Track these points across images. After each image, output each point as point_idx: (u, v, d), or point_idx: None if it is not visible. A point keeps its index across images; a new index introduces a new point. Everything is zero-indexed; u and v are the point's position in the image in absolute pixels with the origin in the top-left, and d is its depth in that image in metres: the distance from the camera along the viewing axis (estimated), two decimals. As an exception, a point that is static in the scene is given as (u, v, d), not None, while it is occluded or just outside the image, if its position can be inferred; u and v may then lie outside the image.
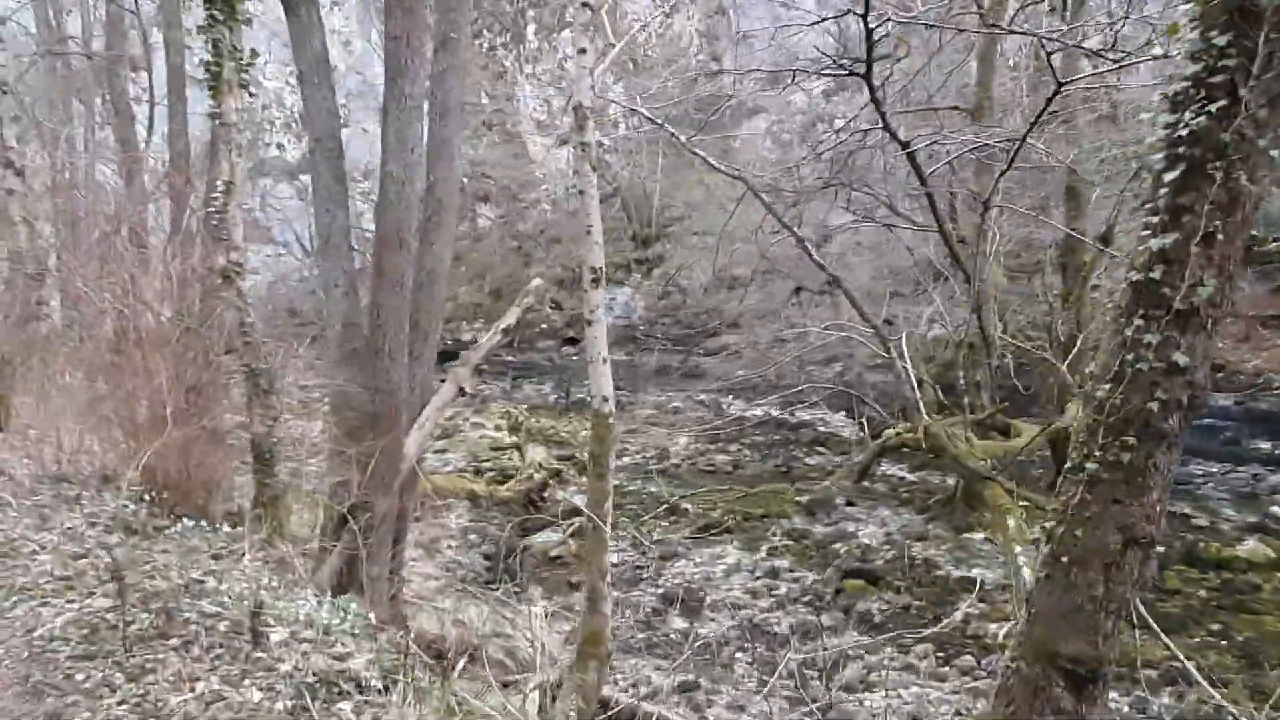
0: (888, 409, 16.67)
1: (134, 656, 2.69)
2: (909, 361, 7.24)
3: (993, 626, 8.63)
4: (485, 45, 44.32)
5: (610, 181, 41.25)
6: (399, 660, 2.79)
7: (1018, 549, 5.30)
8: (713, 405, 23.77)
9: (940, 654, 8.22)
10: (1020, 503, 6.58)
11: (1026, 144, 10.52)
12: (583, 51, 3.76)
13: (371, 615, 3.51)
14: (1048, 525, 2.59)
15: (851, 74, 5.11)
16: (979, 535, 11.41)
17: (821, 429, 19.11)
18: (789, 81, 6.79)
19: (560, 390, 26.01)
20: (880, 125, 5.42)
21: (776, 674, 7.51)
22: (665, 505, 12.14)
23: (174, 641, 2.83)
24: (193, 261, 5.44)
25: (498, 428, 19.48)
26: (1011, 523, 5.56)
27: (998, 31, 6.31)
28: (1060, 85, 5.14)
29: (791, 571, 10.48)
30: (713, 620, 9.27)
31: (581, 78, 3.63)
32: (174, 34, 11.72)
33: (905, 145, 5.57)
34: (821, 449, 17.31)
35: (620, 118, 42.97)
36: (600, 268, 3.62)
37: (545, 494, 14.34)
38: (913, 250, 17.37)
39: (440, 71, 6.97)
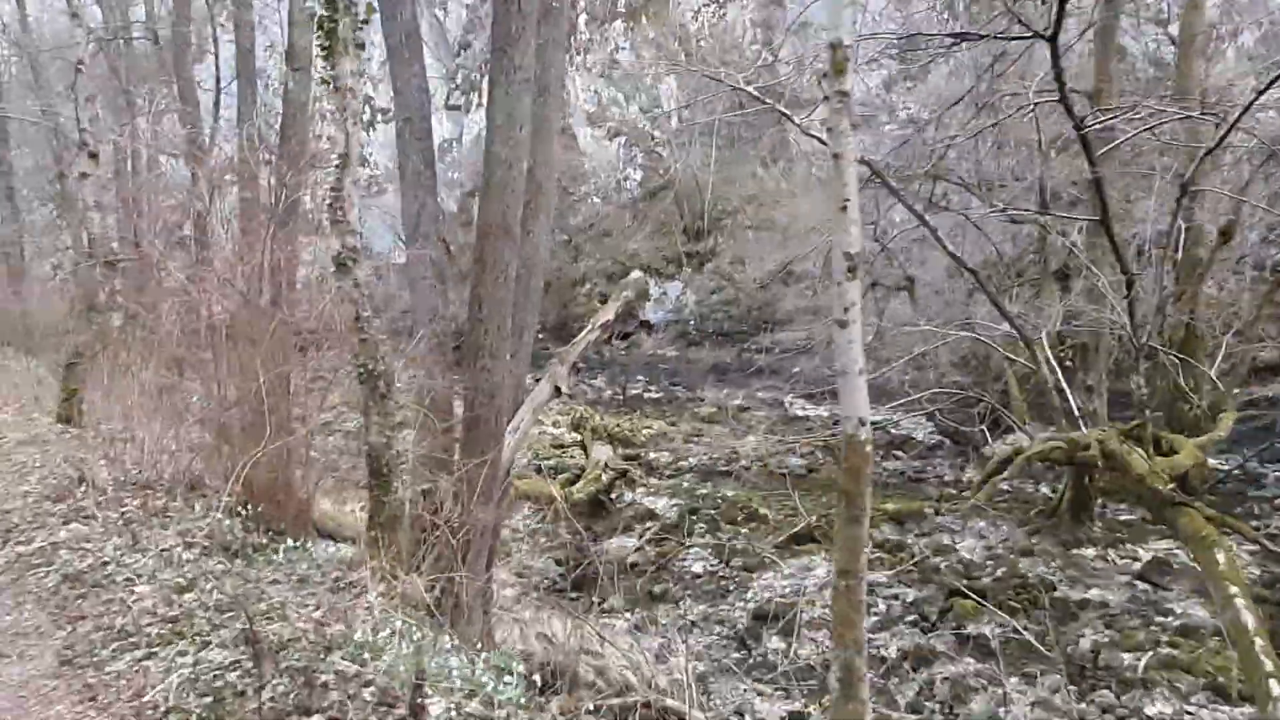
0: (989, 414, 15.80)
1: (276, 741, 2.17)
2: (1055, 364, 6.51)
3: (1126, 657, 7.87)
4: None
5: (662, 174, 40.58)
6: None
7: (1232, 588, 4.57)
8: (773, 403, 23.07)
9: (1073, 686, 7.47)
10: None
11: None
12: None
13: (537, 678, 2.95)
14: None
15: (1037, 36, 4.44)
16: (1090, 552, 10.60)
17: (895, 431, 18.28)
18: (959, 47, 6.11)
19: (616, 386, 25.49)
20: (1057, 99, 4.73)
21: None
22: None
23: (318, 718, 2.29)
24: (278, 249, 4.93)
25: (556, 424, 18.99)
26: (1221, 557, 4.82)
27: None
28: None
29: (889, 587, 9.77)
30: (812, 640, 8.62)
31: (839, 8, 3.00)
32: (244, 15, 11.32)
33: (1079, 124, 4.86)
34: (898, 453, 16.49)
35: (673, 109, 42.26)
36: (856, 253, 2.95)
37: (613, 495, 13.80)
38: (996, 244, 16.46)
39: (540, 45, 6.39)
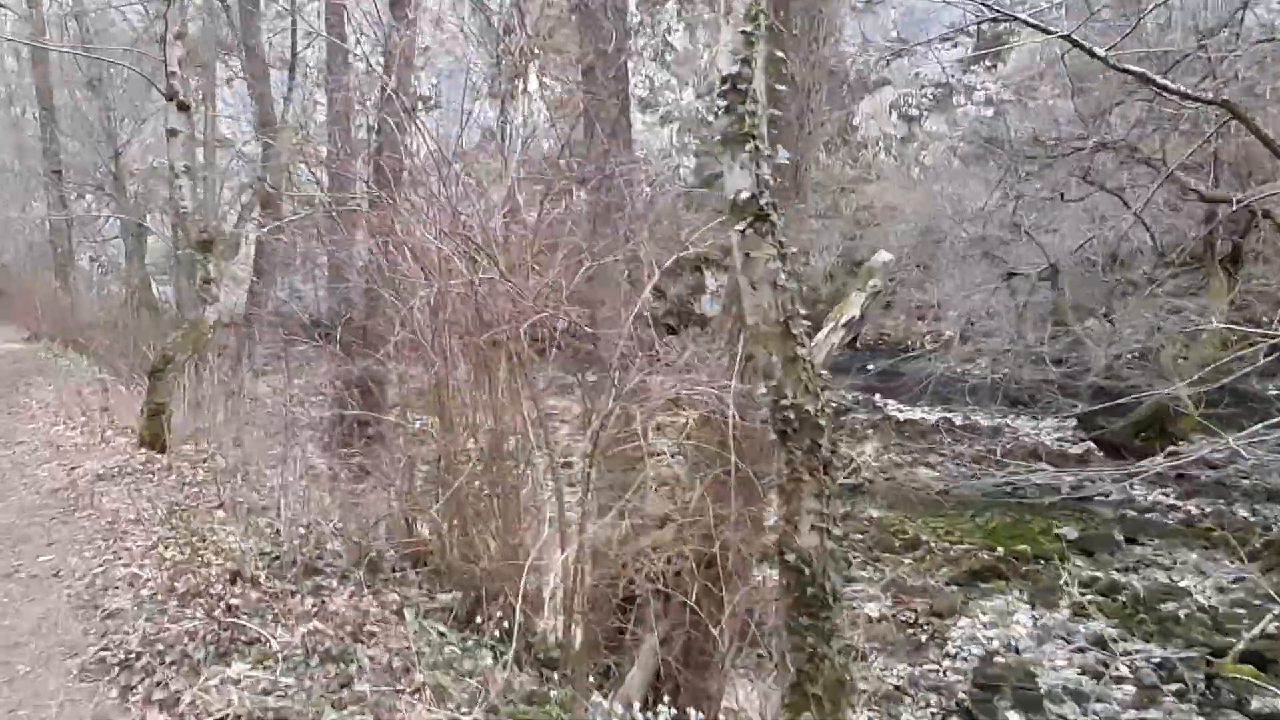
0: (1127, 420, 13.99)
1: None
2: None
3: None
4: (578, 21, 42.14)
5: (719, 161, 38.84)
6: None
7: None
8: (866, 404, 21.26)
9: None
10: None
11: None
12: None
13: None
14: None
15: None
16: (1351, 597, 8.78)
17: (1025, 439, 16.45)
18: None
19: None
20: None
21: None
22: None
23: None
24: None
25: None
26: None
27: None
28: None
29: (1121, 641, 8.01)
30: (1060, 717, 6.91)
31: None
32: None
33: None
34: (1042, 465, 14.62)
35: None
36: None
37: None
38: (1150, 228, 14.58)
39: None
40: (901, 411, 20.20)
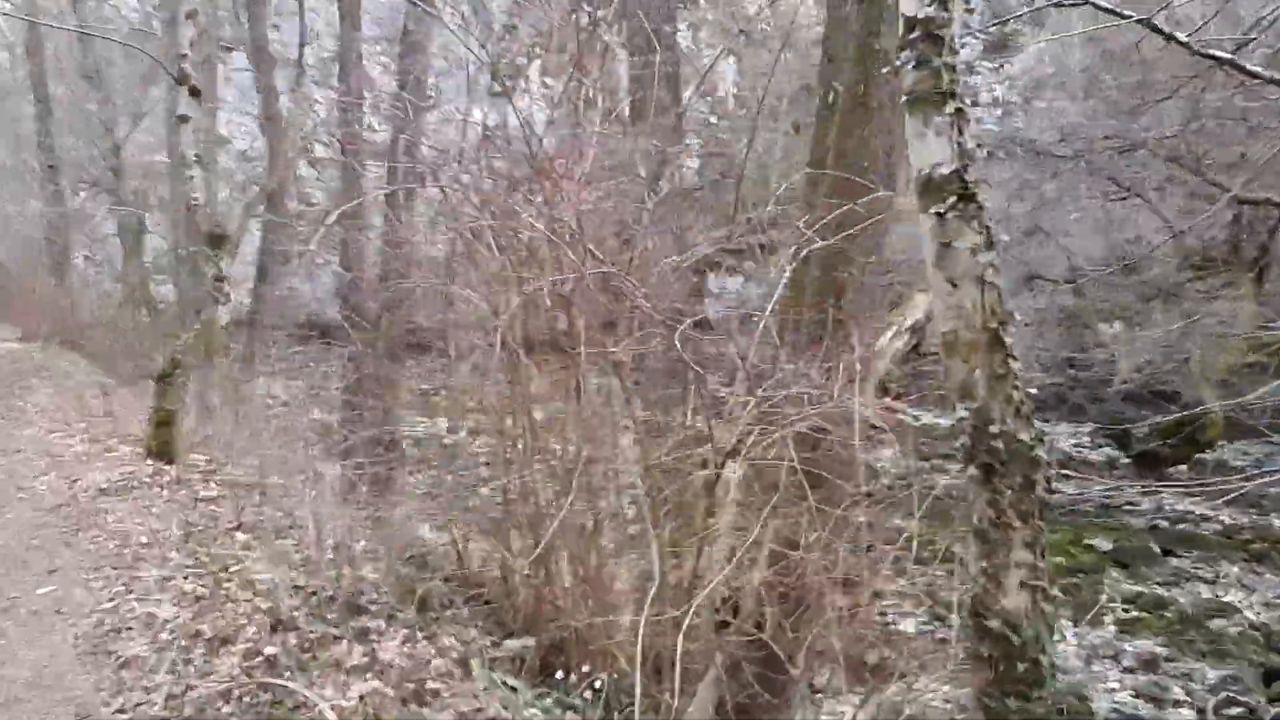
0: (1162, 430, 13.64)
1: None
2: None
3: None
4: (584, 19, 41.84)
5: (724, 162, 38.70)
6: None
7: None
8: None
9: None
10: None
11: None
12: None
13: None
14: None
15: None
16: (1406, 614, 8.44)
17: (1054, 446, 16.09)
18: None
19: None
20: None
21: None
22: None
23: None
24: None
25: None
26: None
27: None
28: None
29: (1174, 661, 7.66)
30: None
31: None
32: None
33: None
34: (1069, 474, 14.24)
35: (732, 96, 40.43)
36: None
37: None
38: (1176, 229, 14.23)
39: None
40: (917, 418, 19.85)
